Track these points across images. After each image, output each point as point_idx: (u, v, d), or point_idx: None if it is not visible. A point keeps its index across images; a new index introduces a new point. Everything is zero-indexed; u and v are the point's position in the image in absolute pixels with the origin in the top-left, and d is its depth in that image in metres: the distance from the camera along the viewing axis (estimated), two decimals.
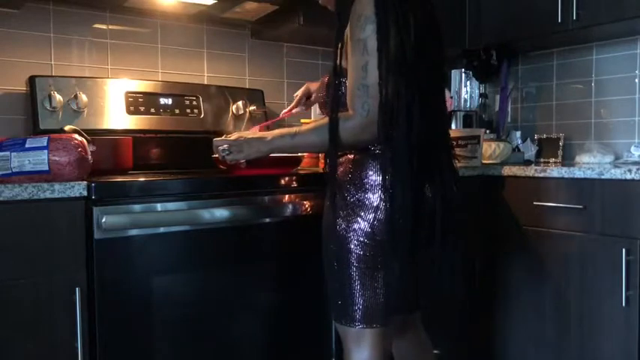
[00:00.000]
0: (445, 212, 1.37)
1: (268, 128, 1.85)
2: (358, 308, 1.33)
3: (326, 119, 1.34)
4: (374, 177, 1.30)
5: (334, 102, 1.32)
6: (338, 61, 1.32)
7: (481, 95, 2.69)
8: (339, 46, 1.32)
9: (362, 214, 1.30)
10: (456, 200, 1.41)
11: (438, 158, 1.38)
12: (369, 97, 1.25)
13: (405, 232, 1.29)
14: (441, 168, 1.38)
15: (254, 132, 1.58)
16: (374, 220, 1.29)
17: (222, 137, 1.55)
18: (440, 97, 1.43)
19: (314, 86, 1.87)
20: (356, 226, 1.31)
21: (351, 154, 1.36)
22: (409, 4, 1.29)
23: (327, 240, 1.39)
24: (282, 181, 1.64)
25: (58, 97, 1.84)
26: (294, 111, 1.91)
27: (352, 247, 1.31)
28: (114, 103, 1.97)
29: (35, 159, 1.34)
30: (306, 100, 1.89)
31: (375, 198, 1.29)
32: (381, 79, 1.24)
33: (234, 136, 1.52)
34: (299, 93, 1.90)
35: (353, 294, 1.33)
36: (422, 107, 1.29)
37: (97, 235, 1.34)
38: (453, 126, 2.54)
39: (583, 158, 2.35)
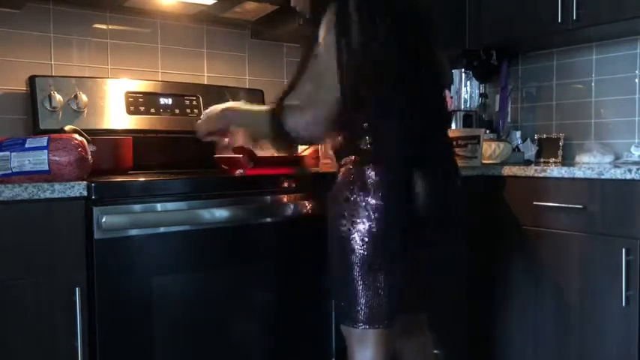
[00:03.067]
0: (444, 211, 1.37)
1: None
2: (361, 309, 1.33)
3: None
4: (375, 177, 1.31)
5: (285, 95, 1.38)
6: (300, 60, 1.37)
7: (481, 95, 2.69)
8: (307, 46, 1.36)
9: (364, 214, 1.30)
10: (456, 199, 1.42)
11: (437, 158, 1.38)
12: (326, 93, 1.30)
13: (398, 232, 1.30)
14: (436, 166, 1.38)
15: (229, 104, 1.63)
16: (376, 221, 1.30)
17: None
18: (433, 95, 1.44)
19: None
20: (359, 227, 1.31)
21: (352, 155, 1.36)
22: (377, 4, 1.33)
23: (330, 241, 1.39)
24: (282, 182, 1.64)
25: (58, 97, 1.84)
26: None
27: (355, 247, 1.32)
28: (114, 103, 1.97)
29: (35, 159, 1.34)
30: None
31: (377, 198, 1.30)
32: (341, 80, 1.29)
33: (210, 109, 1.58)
34: None
35: (356, 295, 1.33)
36: (416, 108, 1.31)
37: (97, 235, 1.34)
38: (453, 126, 2.54)
39: (583, 158, 2.35)
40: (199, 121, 1.58)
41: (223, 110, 1.52)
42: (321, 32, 1.32)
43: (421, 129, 1.35)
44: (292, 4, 1.54)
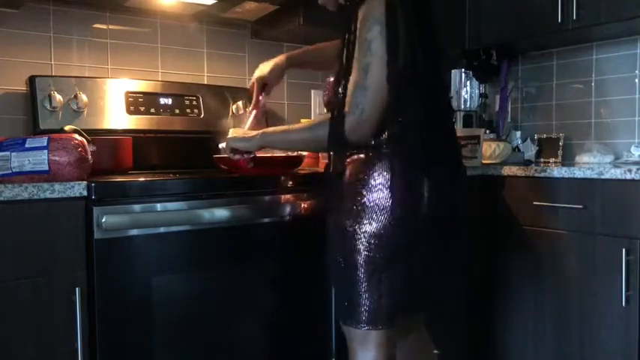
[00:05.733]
0: (450, 214, 1.37)
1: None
2: (364, 310, 1.32)
3: (322, 117, 1.37)
4: (383, 177, 1.30)
5: (336, 101, 1.32)
6: (344, 60, 1.32)
7: (481, 95, 2.68)
8: (346, 44, 1.32)
9: (372, 215, 1.29)
10: (461, 201, 1.42)
11: (445, 159, 1.38)
12: (366, 97, 1.26)
13: (405, 234, 1.29)
14: (449, 168, 1.38)
15: (244, 130, 1.62)
16: (385, 222, 1.29)
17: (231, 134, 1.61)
18: (444, 97, 1.44)
19: (266, 70, 1.81)
20: (366, 227, 1.30)
21: (360, 154, 1.35)
22: (416, 8, 1.31)
23: (334, 241, 1.38)
24: (282, 181, 1.64)
25: (58, 97, 1.84)
26: (262, 102, 1.85)
27: (361, 248, 1.30)
28: (114, 103, 1.97)
29: (35, 159, 1.34)
30: (264, 87, 1.84)
31: (384, 199, 1.29)
32: (389, 83, 1.25)
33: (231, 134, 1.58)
34: (252, 84, 1.84)
35: (359, 296, 1.32)
36: (427, 109, 1.31)
37: (97, 235, 1.34)
38: None
39: (583, 158, 2.35)
40: (234, 140, 1.56)
41: (262, 135, 1.51)
42: (359, 25, 1.28)
43: (432, 131, 1.35)
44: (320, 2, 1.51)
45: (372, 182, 1.30)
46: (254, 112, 1.82)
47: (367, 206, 1.30)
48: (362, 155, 1.35)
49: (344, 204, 1.34)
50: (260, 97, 1.82)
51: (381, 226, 1.29)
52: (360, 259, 1.31)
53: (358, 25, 1.28)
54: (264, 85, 1.82)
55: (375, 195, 1.30)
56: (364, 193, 1.31)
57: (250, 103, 1.82)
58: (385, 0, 1.26)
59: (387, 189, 1.29)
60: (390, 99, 1.26)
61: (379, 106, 1.27)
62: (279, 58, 1.81)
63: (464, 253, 1.99)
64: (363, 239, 1.30)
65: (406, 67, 1.26)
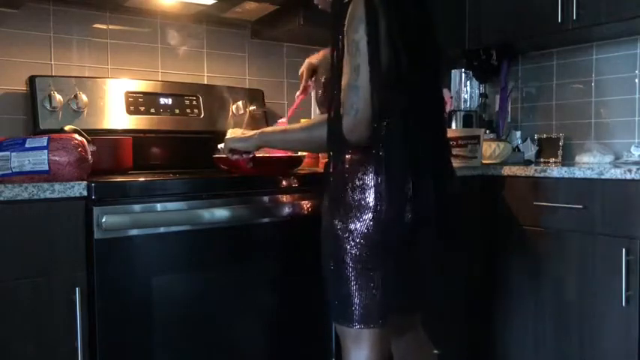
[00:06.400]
0: (439, 213, 1.37)
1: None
2: (355, 309, 1.33)
3: (320, 117, 1.36)
4: (371, 177, 1.30)
5: (332, 101, 1.32)
6: (335, 61, 1.32)
7: (481, 95, 2.68)
8: (336, 46, 1.32)
9: (358, 214, 1.30)
10: (452, 202, 1.41)
11: (432, 159, 1.38)
12: (359, 98, 1.26)
13: (392, 232, 1.30)
14: (436, 168, 1.38)
15: (242, 131, 1.63)
16: (370, 221, 1.29)
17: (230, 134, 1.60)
18: (435, 96, 1.43)
19: (315, 58, 1.81)
20: (352, 226, 1.31)
21: (349, 154, 1.36)
22: (402, 5, 1.30)
23: (324, 240, 1.39)
24: (282, 181, 1.64)
25: (58, 97, 1.84)
26: (310, 88, 1.85)
27: (349, 247, 1.31)
28: (114, 103, 1.97)
29: (35, 159, 1.34)
30: (313, 74, 1.83)
31: (371, 198, 1.29)
32: (372, 84, 1.24)
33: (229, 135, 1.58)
34: (303, 70, 1.83)
35: (350, 294, 1.33)
36: (416, 109, 1.31)
37: (97, 235, 1.34)
38: (453, 126, 2.54)
39: (583, 158, 2.35)
40: (232, 141, 1.55)
41: (261, 135, 1.50)
42: (347, 25, 1.28)
43: (421, 130, 1.35)
44: (315, 2, 1.51)
45: (360, 182, 1.31)
46: (301, 96, 1.84)
47: (354, 206, 1.31)
48: (350, 156, 1.35)
49: (333, 203, 1.35)
50: (309, 83, 1.83)
51: (367, 225, 1.30)
52: (348, 259, 1.32)
53: (346, 25, 1.29)
54: (314, 71, 1.82)
55: (362, 195, 1.30)
56: (352, 192, 1.32)
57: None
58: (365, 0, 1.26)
59: (372, 189, 1.29)
60: (376, 99, 1.26)
61: (372, 106, 1.27)
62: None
63: (457, 253, 2.00)
64: (351, 238, 1.31)
65: (390, 67, 1.26)
